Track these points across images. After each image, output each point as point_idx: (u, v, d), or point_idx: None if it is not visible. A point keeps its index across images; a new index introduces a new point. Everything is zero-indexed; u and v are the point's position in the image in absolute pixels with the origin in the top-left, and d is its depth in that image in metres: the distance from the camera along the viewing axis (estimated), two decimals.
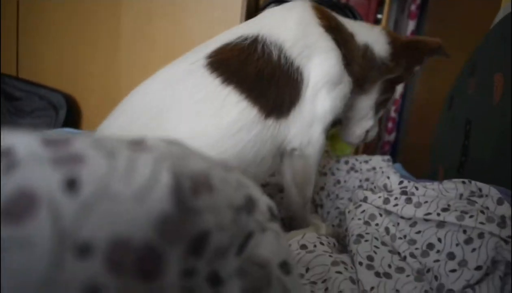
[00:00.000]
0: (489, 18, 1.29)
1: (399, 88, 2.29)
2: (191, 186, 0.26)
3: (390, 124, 2.37)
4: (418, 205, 0.83)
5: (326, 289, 0.63)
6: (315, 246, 0.74)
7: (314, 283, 0.65)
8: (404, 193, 0.89)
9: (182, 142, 0.32)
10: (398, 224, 0.84)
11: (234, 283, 0.29)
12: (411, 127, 2.30)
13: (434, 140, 1.53)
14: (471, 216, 0.73)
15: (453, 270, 0.69)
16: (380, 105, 1.10)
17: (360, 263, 0.69)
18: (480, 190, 0.79)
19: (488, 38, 1.22)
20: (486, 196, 0.78)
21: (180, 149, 0.30)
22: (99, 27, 1.98)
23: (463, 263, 0.68)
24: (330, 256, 0.71)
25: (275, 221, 0.35)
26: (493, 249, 0.66)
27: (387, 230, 0.82)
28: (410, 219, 0.83)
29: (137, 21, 1.99)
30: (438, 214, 0.78)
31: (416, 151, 2.07)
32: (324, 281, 0.65)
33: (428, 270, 0.71)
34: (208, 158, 0.31)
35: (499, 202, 0.74)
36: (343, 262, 0.69)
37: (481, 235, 0.69)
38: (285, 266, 0.33)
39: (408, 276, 0.68)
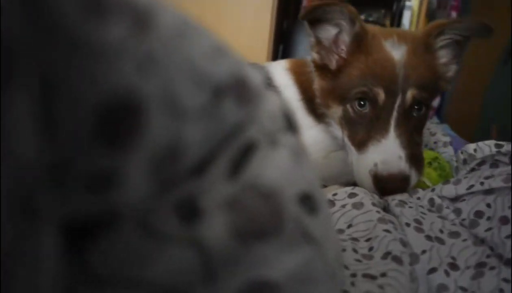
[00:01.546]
0: None
1: None
2: None
3: None
4: (457, 182, 0.73)
5: (371, 248, 0.54)
6: (363, 199, 0.63)
7: (356, 240, 0.56)
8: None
9: None
10: (442, 200, 0.74)
11: (217, 218, 0.20)
12: (456, 93, 2.17)
13: (486, 98, 1.44)
14: None
15: (509, 236, 0.58)
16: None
17: (408, 224, 0.60)
18: None
19: None
20: None
21: None
22: None
23: None
24: (378, 212, 0.61)
25: (293, 133, 0.26)
26: None
27: (431, 201, 0.72)
28: (453, 199, 0.73)
29: None
30: (482, 183, 0.68)
31: (461, 119, 1.96)
32: (368, 239, 0.55)
33: (482, 241, 0.61)
34: None
35: None
36: (391, 222, 0.59)
37: None
38: (307, 201, 0.24)
39: (464, 240, 0.58)
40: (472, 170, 0.79)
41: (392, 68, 0.80)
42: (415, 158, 0.78)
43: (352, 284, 0.45)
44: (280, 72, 1.00)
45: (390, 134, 0.77)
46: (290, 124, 0.26)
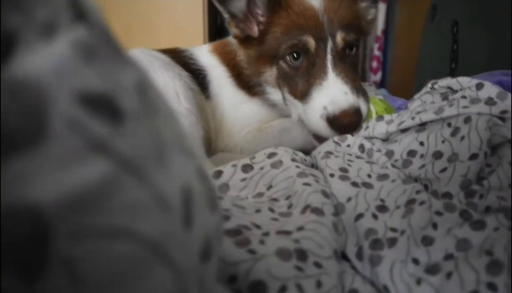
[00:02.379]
0: None
1: (380, 24, 2.07)
2: None
3: (374, 64, 2.12)
4: (389, 121, 0.69)
5: (291, 205, 0.47)
6: (282, 157, 0.57)
7: (275, 200, 0.50)
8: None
9: None
10: (373, 144, 0.69)
11: None
12: (397, 64, 2.18)
13: (420, 55, 1.45)
14: (451, 105, 0.59)
15: (443, 170, 0.54)
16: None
17: (332, 175, 0.54)
18: (459, 83, 0.65)
19: None
20: (467, 89, 0.63)
21: None
22: None
23: (453, 158, 0.54)
24: (298, 167, 0.55)
25: (84, 25, 0.20)
26: (486, 129, 0.52)
27: (361, 147, 0.67)
28: (385, 140, 0.68)
29: None
30: (413, 118, 0.64)
31: (403, 84, 1.97)
32: (288, 197, 0.49)
33: (416, 180, 0.56)
34: None
35: (479, 87, 0.60)
36: (313, 175, 0.54)
37: (467, 120, 0.55)
38: (97, 104, 0.18)
39: (393, 180, 0.53)
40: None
41: (315, 16, 0.81)
42: (358, 89, 0.78)
43: (261, 242, 0.38)
44: (205, 54, 0.98)
45: (330, 75, 0.78)
46: (81, 14, 0.19)
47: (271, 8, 0.83)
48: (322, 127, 0.75)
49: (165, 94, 0.76)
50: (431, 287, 0.40)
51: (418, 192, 0.50)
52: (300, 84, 0.80)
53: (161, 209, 0.18)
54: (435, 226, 0.45)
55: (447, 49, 1.13)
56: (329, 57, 0.79)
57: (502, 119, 0.54)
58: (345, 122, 0.73)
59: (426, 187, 0.54)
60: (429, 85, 0.72)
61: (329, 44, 0.79)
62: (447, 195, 0.51)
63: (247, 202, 0.48)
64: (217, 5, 0.85)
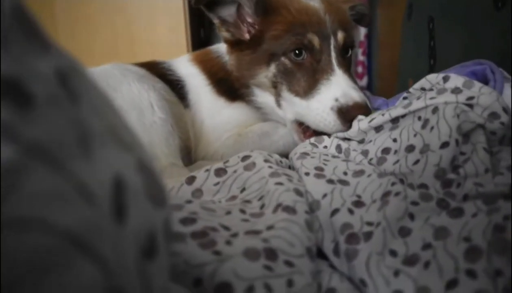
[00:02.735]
0: None
1: (362, 29, 2.10)
2: None
3: (360, 69, 2.13)
4: (360, 119, 0.69)
5: (263, 206, 0.47)
6: (255, 159, 0.57)
7: (248, 201, 0.49)
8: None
9: None
10: (349, 145, 0.69)
11: None
12: (382, 68, 2.19)
13: (400, 57, 1.46)
14: (418, 98, 0.59)
15: (416, 162, 0.54)
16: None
17: (307, 174, 0.54)
18: (428, 81, 0.65)
19: None
20: (436, 84, 0.64)
21: None
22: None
23: (424, 149, 0.54)
24: (270, 167, 0.54)
25: None
26: (454, 117, 0.52)
27: (338, 147, 0.67)
28: (361, 141, 0.68)
29: (72, 5, 2.00)
30: (383, 114, 0.64)
31: (390, 94, 1.98)
32: (260, 198, 0.48)
33: (391, 174, 0.56)
34: None
35: (445, 79, 0.61)
36: (287, 174, 0.53)
37: (435, 110, 0.55)
38: None
39: (369, 175, 0.53)
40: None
41: (317, 14, 0.83)
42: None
43: (228, 243, 0.37)
44: (185, 64, 0.99)
45: (337, 71, 0.80)
46: None
47: (262, 11, 0.84)
48: (331, 120, 0.76)
49: (139, 105, 0.77)
50: (409, 278, 0.39)
51: (393, 183, 0.49)
52: (304, 80, 0.81)
53: (84, 200, 0.17)
54: (411, 216, 0.44)
55: (424, 46, 1.14)
56: (333, 54, 0.81)
57: (470, 106, 0.54)
58: (356, 115, 0.73)
59: (402, 181, 0.53)
60: (405, 93, 0.73)
61: (332, 42, 0.81)
62: (423, 186, 0.50)
63: (218, 205, 0.47)
64: (206, 12, 0.86)
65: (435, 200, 0.46)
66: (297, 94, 0.82)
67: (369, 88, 2.27)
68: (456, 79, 0.58)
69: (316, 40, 0.81)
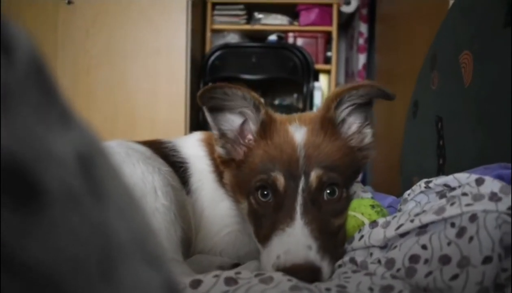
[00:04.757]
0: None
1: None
2: None
3: None
4: (386, 225, 0.63)
5: None
6: (273, 274, 0.49)
7: None
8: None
9: None
10: (371, 254, 0.62)
11: None
12: (378, 163, 2.17)
13: (403, 154, 1.42)
14: (452, 204, 0.54)
15: (455, 277, 0.47)
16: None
17: (328, 289, 0.46)
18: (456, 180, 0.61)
19: (446, 23, 1.18)
20: (466, 185, 0.59)
21: None
22: None
23: (463, 262, 0.47)
24: (290, 280, 0.47)
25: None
26: (496, 228, 0.47)
27: (352, 260, 0.59)
28: (383, 247, 0.62)
29: (74, 72, 2.04)
30: (412, 220, 0.58)
31: (387, 188, 1.95)
32: None
33: (425, 290, 0.49)
34: None
35: (479, 182, 0.56)
36: (308, 289, 0.45)
37: (473, 218, 0.49)
38: None
39: (400, 292, 0.45)
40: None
41: (291, 150, 0.72)
42: (331, 248, 0.65)
43: None
44: (193, 143, 0.92)
45: (297, 222, 0.65)
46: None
47: (259, 136, 0.75)
48: None
49: (142, 189, 0.70)
50: None
51: None
52: (264, 226, 0.69)
53: None
54: None
55: (432, 145, 1.12)
56: (299, 199, 0.67)
57: (510, 215, 0.49)
58: (298, 277, 0.55)
59: None
60: (423, 185, 0.68)
61: (301, 184, 0.69)
62: None
63: None
64: (209, 119, 0.79)
65: None
66: (258, 239, 0.71)
67: (363, 182, 2.26)
68: (491, 183, 0.53)
69: (280, 181, 0.69)
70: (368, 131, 0.81)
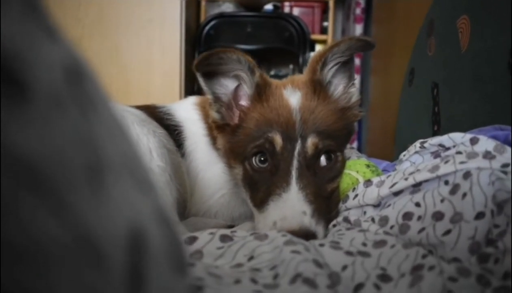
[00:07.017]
0: None
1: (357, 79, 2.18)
2: None
3: None
4: (380, 184, 0.63)
5: (277, 276, 0.39)
6: (267, 234, 0.50)
7: (257, 270, 0.41)
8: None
9: None
10: (364, 213, 0.63)
11: None
12: (373, 134, 2.19)
13: (398, 123, 1.44)
14: (446, 162, 0.54)
15: (447, 232, 0.47)
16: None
17: (322, 245, 0.47)
18: (451, 139, 0.61)
19: None
20: (460, 144, 0.59)
21: None
22: None
23: (456, 218, 0.48)
24: (284, 235, 0.48)
25: None
26: (489, 184, 0.47)
27: (346, 219, 0.60)
28: (377, 205, 0.62)
29: None
30: (406, 179, 0.58)
31: (381, 150, 1.96)
32: (273, 268, 0.41)
33: (418, 245, 0.50)
34: None
35: (473, 141, 0.56)
36: (303, 244, 0.46)
37: (467, 175, 0.50)
38: None
39: (393, 246, 0.46)
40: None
41: (288, 113, 0.72)
42: (324, 213, 0.66)
43: None
44: (188, 107, 0.92)
45: (292, 187, 0.66)
46: None
47: (254, 100, 0.75)
48: None
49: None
50: None
51: (424, 256, 0.43)
52: (261, 191, 0.70)
53: (86, 260, 0.11)
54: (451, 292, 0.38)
55: (427, 112, 1.12)
56: (295, 163, 0.68)
57: (504, 173, 0.49)
58: None
59: (430, 253, 0.47)
60: (418, 145, 0.68)
61: (298, 147, 0.69)
62: (456, 260, 0.44)
63: (224, 271, 0.39)
64: (202, 83, 0.78)
65: (474, 276, 0.40)
66: (254, 204, 0.72)
67: (359, 151, 2.29)
68: (486, 142, 0.53)
69: (278, 142, 0.69)
70: (353, 90, 0.82)
